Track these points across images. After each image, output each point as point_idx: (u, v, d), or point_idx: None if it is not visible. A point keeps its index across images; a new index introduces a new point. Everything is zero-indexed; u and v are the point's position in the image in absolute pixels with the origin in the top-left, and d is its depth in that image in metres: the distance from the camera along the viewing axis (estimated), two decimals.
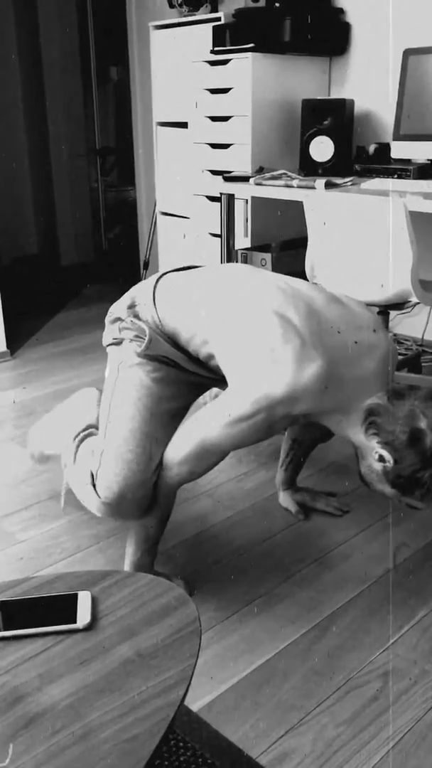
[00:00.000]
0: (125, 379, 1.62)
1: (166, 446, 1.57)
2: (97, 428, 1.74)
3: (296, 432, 1.94)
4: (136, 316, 1.62)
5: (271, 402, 1.41)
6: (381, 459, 1.42)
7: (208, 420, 1.49)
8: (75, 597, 1.04)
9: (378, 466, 1.44)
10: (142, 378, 1.61)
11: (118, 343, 1.65)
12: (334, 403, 1.46)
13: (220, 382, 1.57)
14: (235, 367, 1.49)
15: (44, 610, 1.02)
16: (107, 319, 1.70)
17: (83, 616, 1.00)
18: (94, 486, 1.61)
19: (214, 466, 1.56)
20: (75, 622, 1.00)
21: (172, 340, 1.60)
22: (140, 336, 1.60)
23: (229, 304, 1.55)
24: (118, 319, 1.65)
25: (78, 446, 1.75)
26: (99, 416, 1.72)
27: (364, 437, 1.46)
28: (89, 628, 0.99)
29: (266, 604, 1.65)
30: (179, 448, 1.54)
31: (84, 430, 1.78)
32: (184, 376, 1.64)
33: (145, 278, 4.23)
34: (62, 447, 1.82)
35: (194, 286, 1.62)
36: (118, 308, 1.66)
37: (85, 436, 1.76)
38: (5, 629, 0.99)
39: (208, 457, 1.52)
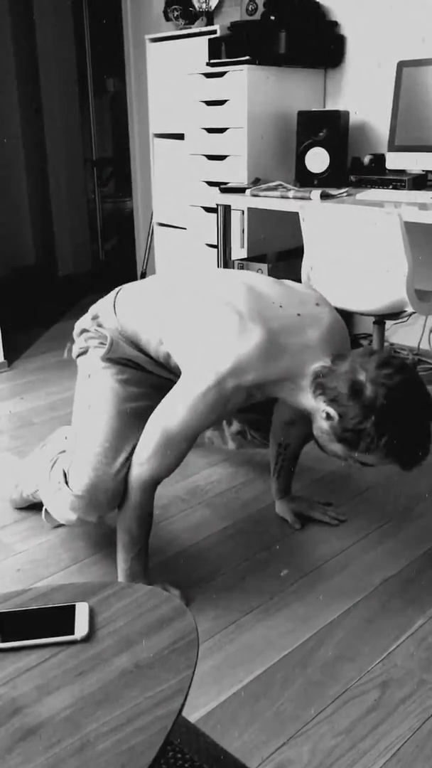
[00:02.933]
0: (92, 382, 1.74)
1: (134, 442, 1.64)
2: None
3: (280, 437, 1.95)
4: (100, 326, 1.75)
5: (219, 376, 1.48)
6: (327, 417, 1.47)
7: (167, 409, 1.56)
8: (73, 608, 1.04)
9: (326, 424, 1.49)
10: (107, 380, 1.72)
11: (85, 352, 1.78)
12: (281, 371, 1.52)
13: None
14: (185, 355, 1.58)
15: (42, 621, 1.03)
16: (74, 333, 1.82)
17: (81, 628, 1.01)
18: (67, 483, 1.67)
19: (183, 455, 1.60)
20: (73, 633, 1.00)
21: (134, 344, 1.71)
22: (104, 342, 1.73)
23: (178, 301, 1.64)
24: (84, 330, 1.78)
25: (52, 466, 1.78)
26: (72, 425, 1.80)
27: (314, 400, 1.51)
28: (87, 639, 0.99)
29: (263, 614, 1.65)
30: (146, 442, 1.59)
31: (59, 453, 1.83)
32: (148, 377, 1.75)
33: None
34: (39, 475, 1.87)
35: (150, 291, 1.73)
36: (83, 321, 1.80)
37: (59, 455, 1.80)
38: (3, 641, 0.99)
39: (174, 446, 1.57)
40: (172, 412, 1.54)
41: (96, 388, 1.72)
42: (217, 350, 1.50)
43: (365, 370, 1.43)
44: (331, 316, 1.60)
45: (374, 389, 1.40)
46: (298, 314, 1.56)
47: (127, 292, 1.77)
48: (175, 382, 1.60)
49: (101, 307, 1.78)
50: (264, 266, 2.92)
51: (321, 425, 1.51)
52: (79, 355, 1.80)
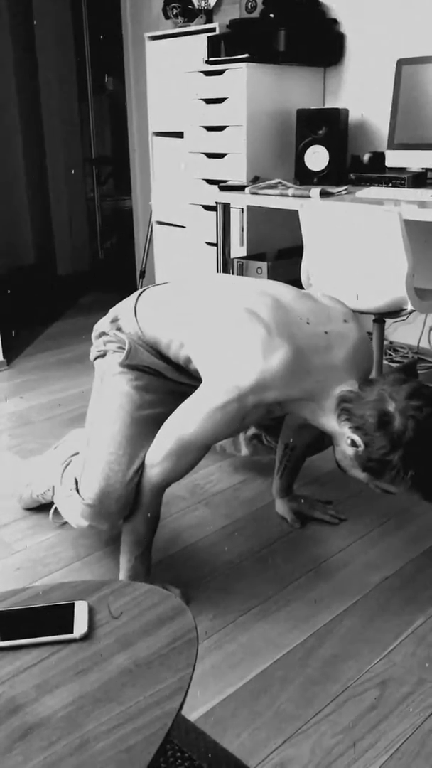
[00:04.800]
0: (108, 388, 1.70)
1: (147, 449, 1.61)
2: None
3: (289, 438, 1.94)
4: (119, 329, 1.71)
5: (242, 391, 1.45)
6: (353, 444, 1.44)
7: (184, 416, 1.53)
8: (72, 607, 1.04)
9: (350, 451, 1.46)
10: (123, 386, 1.68)
11: (103, 355, 1.74)
12: (304, 391, 1.49)
13: None
14: (207, 363, 1.54)
15: (41, 620, 1.02)
16: (93, 335, 1.78)
17: (80, 626, 1.00)
18: (78, 491, 1.65)
19: (195, 463, 1.58)
20: (72, 632, 0.99)
21: (154, 349, 1.67)
22: (122, 347, 1.69)
23: (201, 306, 1.61)
24: (103, 333, 1.75)
25: (65, 469, 1.77)
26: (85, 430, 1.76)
27: (337, 424, 1.48)
28: (86, 638, 0.99)
29: (263, 612, 1.65)
30: (160, 447, 1.57)
31: (72, 455, 1.81)
32: (165, 384, 1.72)
33: (141, 287, 4.24)
34: (51, 477, 1.86)
35: (171, 296, 1.70)
36: (102, 324, 1.76)
37: (72, 458, 1.79)
38: (2, 639, 0.98)
39: (187, 453, 1.55)
40: (189, 420, 1.51)
41: (111, 393, 1.68)
42: (241, 364, 1.46)
43: (394, 400, 1.39)
44: (358, 334, 1.57)
45: (403, 421, 1.36)
46: (326, 332, 1.53)
47: (149, 294, 1.73)
48: (193, 388, 1.57)
49: (122, 309, 1.74)
50: (263, 264, 2.92)
51: (345, 450, 1.48)
52: (96, 358, 1.77)
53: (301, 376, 1.47)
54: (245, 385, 1.44)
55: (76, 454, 1.80)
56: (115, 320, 1.73)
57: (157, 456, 1.58)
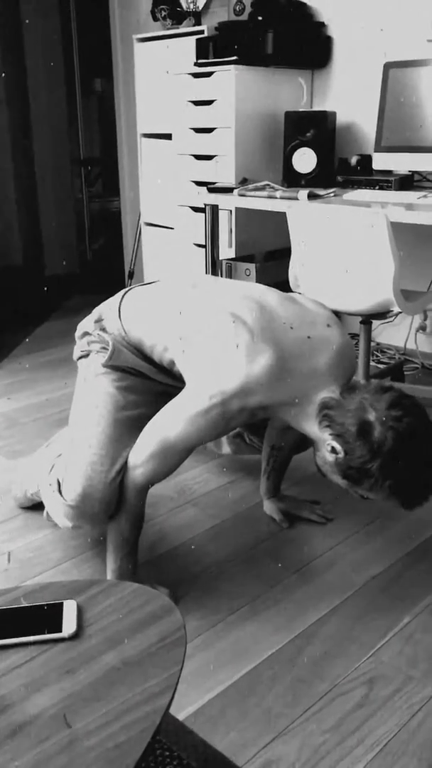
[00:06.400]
0: (91, 388, 1.70)
1: (130, 450, 1.61)
2: None
3: (274, 439, 1.95)
4: (103, 330, 1.71)
5: (226, 396, 1.46)
6: (333, 450, 1.46)
7: (168, 418, 1.54)
8: (60, 606, 1.04)
9: (330, 457, 1.47)
10: (106, 386, 1.68)
11: (86, 355, 1.74)
12: (287, 396, 1.50)
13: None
14: (191, 367, 1.55)
15: (30, 619, 1.03)
16: (77, 335, 1.78)
17: (69, 625, 1.01)
18: (60, 493, 1.65)
19: (178, 464, 1.59)
20: (61, 631, 1.00)
21: (138, 350, 1.67)
22: (106, 347, 1.69)
23: (186, 309, 1.61)
24: (86, 333, 1.74)
25: (50, 470, 1.77)
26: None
27: (318, 429, 1.50)
28: (75, 636, 1.00)
29: (251, 612, 1.65)
30: (142, 448, 1.58)
31: (58, 456, 1.81)
32: (149, 384, 1.72)
33: None
34: (39, 477, 1.86)
35: (156, 297, 1.69)
36: (86, 324, 1.76)
37: (57, 459, 1.79)
38: None
39: (170, 455, 1.56)
40: (173, 423, 1.52)
41: (95, 394, 1.69)
42: (225, 368, 1.47)
43: (375, 409, 1.40)
44: (341, 339, 1.58)
45: (383, 431, 1.38)
46: (309, 336, 1.54)
47: (133, 295, 1.73)
48: (177, 389, 1.58)
49: (105, 309, 1.74)
50: (252, 266, 2.93)
51: (325, 456, 1.50)
52: (80, 358, 1.76)
53: (284, 381, 1.48)
54: (229, 389, 1.45)
55: (61, 455, 1.81)
56: (99, 320, 1.73)
57: (140, 457, 1.58)
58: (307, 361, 1.51)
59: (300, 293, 2.42)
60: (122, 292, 1.77)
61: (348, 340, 1.61)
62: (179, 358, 1.59)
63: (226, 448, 2.23)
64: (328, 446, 1.47)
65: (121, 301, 1.72)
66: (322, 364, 1.52)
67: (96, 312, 1.75)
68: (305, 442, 1.97)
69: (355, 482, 1.45)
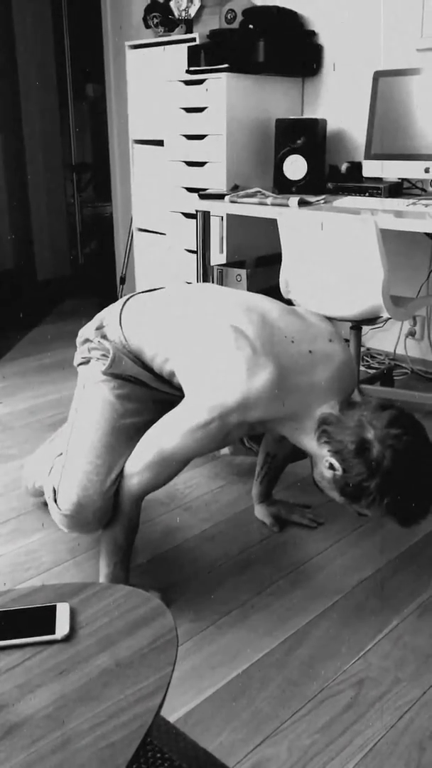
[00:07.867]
0: (90, 395, 1.69)
1: (126, 458, 1.61)
2: None
3: (270, 446, 1.97)
4: (104, 337, 1.70)
5: (225, 410, 1.45)
6: (331, 467, 1.46)
7: (166, 430, 1.53)
8: (53, 608, 1.06)
9: (328, 473, 1.48)
10: (105, 394, 1.68)
11: (86, 362, 1.74)
12: (287, 411, 1.50)
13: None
14: (191, 379, 1.54)
15: (23, 621, 1.04)
16: (78, 341, 1.78)
17: (62, 627, 1.02)
18: (56, 501, 1.65)
19: (174, 475, 1.60)
20: (54, 633, 1.01)
21: (138, 359, 1.67)
22: (106, 355, 1.68)
23: (188, 320, 1.61)
24: (87, 340, 1.74)
25: (49, 471, 1.78)
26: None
27: (317, 445, 1.50)
28: (68, 638, 1.01)
29: (242, 615, 1.67)
30: (139, 457, 1.58)
31: (58, 456, 1.82)
32: (148, 393, 1.71)
33: (122, 293, 4.26)
34: (41, 475, 1.87)
35: (158, 306, 1.69)
36: (87, 330, 1.75)
37: (55, 460, 1.80)
38: None
39: (167, 466, 1.56)
40: (171, 435, 1.52)
41: (93, 401, 1.68)
42: (225, 382, 1.46)
43: (374, 427, 1.40)
44: (343, 354, 1.57)
45: (381, 450, 1.38)
46: (310, 351, 1.53)
47: (134, 303, 1.72)
48: (176, 398, 1.57)
49: (107, 316, 1.73)
50: (243, 272, 2.95)
51: (323, 472, 1.50)
52: (80, 364, 1.76)
53: (284, 396, 1.48)
54: (229, 404, 1.45)
55: (61, 455, 1.81)
56: (100, 327, 1.72)
57: (137, 466, 1.58)
58: (308, 376, 1.51)
59: (298, 305, 2.45)
60: (124, 298, 1.76)
61: (349, 355, 1.60)
62: (180, 370, 1.58)
63: (224, 449, 2.24)
64: (326, 462, 1.47)
65: (122, 308, 1.72)
66: (323, 378, 1.52)
67: (98, 318, 1.75)
68: (301, 452, 1.99)
69: (353, 499, 1.45)
